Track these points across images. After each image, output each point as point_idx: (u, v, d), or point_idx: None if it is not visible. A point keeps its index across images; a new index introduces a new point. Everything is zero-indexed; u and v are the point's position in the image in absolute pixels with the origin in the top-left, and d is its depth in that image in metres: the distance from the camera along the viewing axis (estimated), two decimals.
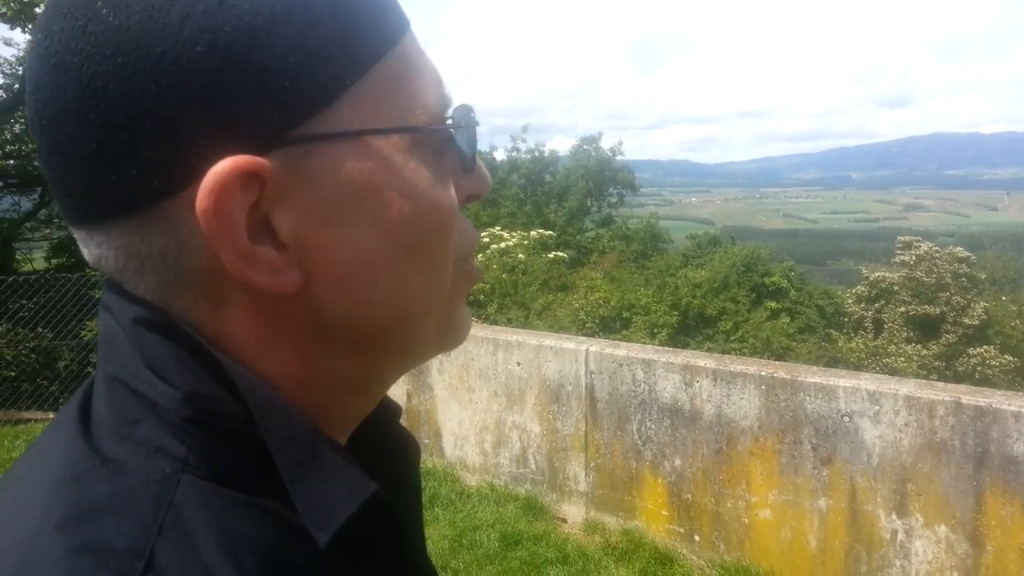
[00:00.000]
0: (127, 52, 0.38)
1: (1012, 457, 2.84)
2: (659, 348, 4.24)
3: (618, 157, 35.71)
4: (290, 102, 0.40)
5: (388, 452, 0.56)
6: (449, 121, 0.47)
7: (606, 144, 35.54)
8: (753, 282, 20.70)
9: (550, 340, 4.33)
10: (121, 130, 0.39)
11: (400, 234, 0.45)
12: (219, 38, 0.39)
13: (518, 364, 4.37)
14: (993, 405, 2.87)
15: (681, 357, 3.79)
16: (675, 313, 19.61)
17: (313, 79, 0.40)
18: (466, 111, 0.48)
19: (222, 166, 0.39)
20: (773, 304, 20.12)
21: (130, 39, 0.38)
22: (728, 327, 19.33)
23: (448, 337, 0.52)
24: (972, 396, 2.96)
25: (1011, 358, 18.75)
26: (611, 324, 19.69)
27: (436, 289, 0.49)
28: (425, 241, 0.46)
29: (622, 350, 4.03)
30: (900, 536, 3.15)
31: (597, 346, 4.12)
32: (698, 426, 3.68)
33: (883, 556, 3.19)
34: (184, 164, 0.39)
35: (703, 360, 3.70)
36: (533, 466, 4.39)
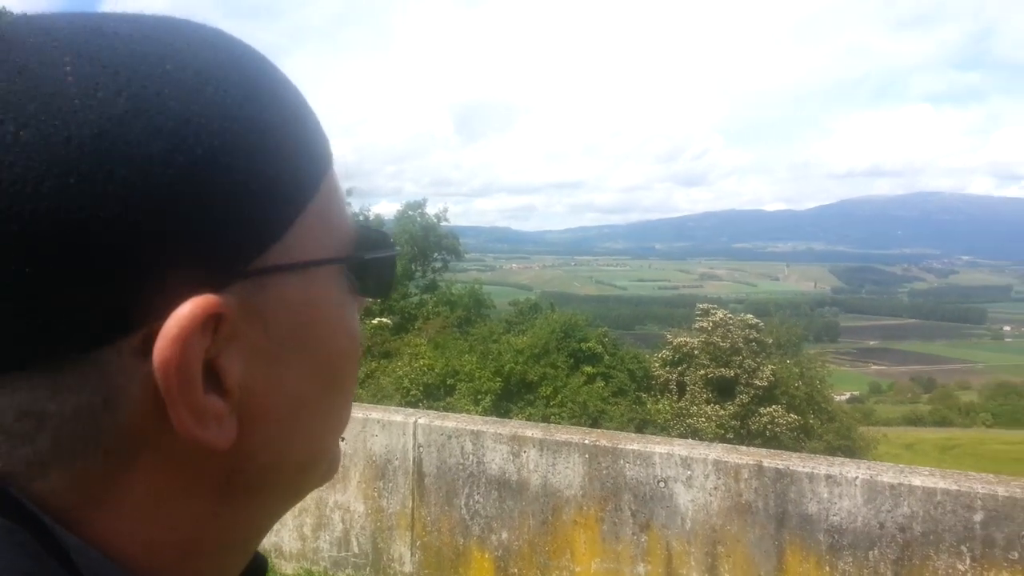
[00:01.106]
0: (74, 171, 0.33)
1: (807, 516, 3.10)
2: (487, 419, 4.26)
3: (443, 223, 36.23)
4: (251, 233, 0.38)
5: None
6: (376, 247, 0.46)
7: (431, 210, 35.96)
8: (571, 347, 21.51)
9: (376, 413, 4.22)
10: (53, 262, 0.33)
11: (330, 369, 0.43)
12: (192, 162, 0.35)
13: (342, 439, 4.20)
14: (790, 467, 3.14)
15: (509, 427, 3.83)
16: (498, 379, 19.89)
17: (273, 208, 0.39)
18: (386, 237, 0.47)
19: (189, 309, 0.35)
20: (589, 369, 20.98)
21: (80, 155, 0.33)
22: (548, 392, 19.86)
23: (332, 470, 0.48)
24: (772, 459, 3.22)
25: (795, 416, 20.72)
26: (435, 391, 19.60)
27: (344, 422, 0.46)
28: (346, 374, 0.45)
29: (451, 422, 4.00)
30: None
31: (426, 418, 4.06)
32: (525, 497, 3.71)
33: None
34: (135, 303, 0.34)
35: (530, 430, 3.76)
36: (356, 548, 4.19)
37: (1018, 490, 2.81)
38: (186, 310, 0.35)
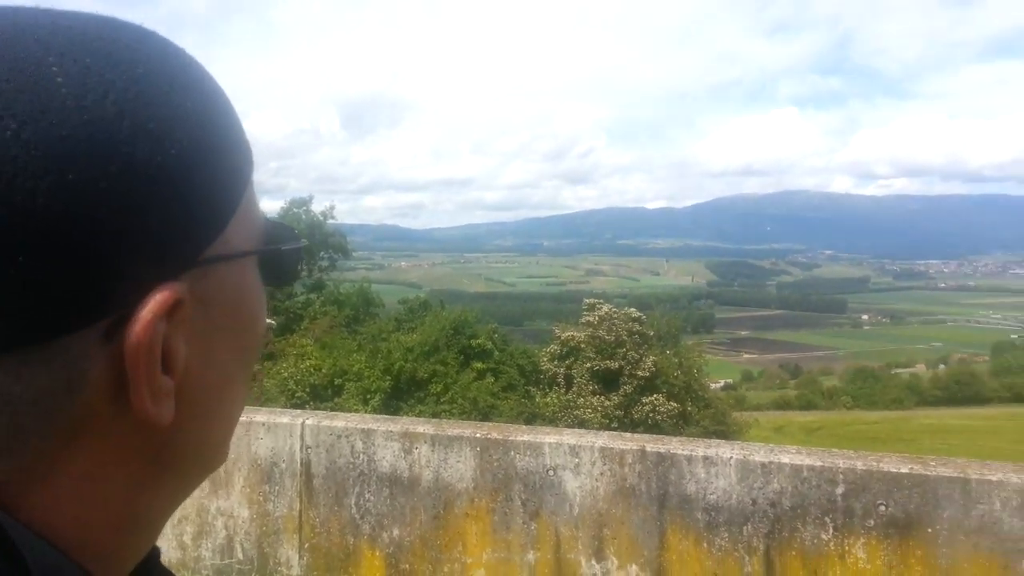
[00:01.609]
0: (72, 169, 0.36)
1: (687, 496, 3.25)
2: (378, 417, 4.21)
3: (329, 221, 35.41)
4: (205, 225, 0.41)
5: None
6: (287, 238, 0.50)
7: (317, 207, 35.05)
8: (461, 344, 21.55)
9: (261, 415, 4.09)
10: (41, 255, 0.35)
11: (250, 351, 0.47)
12: (167, 160, 0.39)
13: None
14: (671, 451, 3.28)
15: (400, 424, 3.80)
16: (388, 378, 19.67)
17: (222, 202, 0.43)
18: (292, 230, 0.51)
19: (162, 296, 0.38)
20: (479, 365, 21.09)
21: (76, 155, 0.36)
22: (439, 389, 19.82)
23: (227, 452, 0.51)
24: (654, 444, 3.35)
25: (675, 404, 21.59)
26: (322, 392, 19.16)
27: (245, 402, 0.50)
28: (257, 355, 0.49)
29: (340, 421, 3.93)
30: None
31: (313, 419, 3.97)
32: (417, 493, 3.69)
33: None
34: (106, 294, 0.37)
35: (422, 426, 3.75)
36: (240, 555, 4.05)
37: (874, 464, 3.04)
38: (158, 298, 0.38)
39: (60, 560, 0.38)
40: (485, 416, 18.11)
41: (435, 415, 17.01)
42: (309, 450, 3.90)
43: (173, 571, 0.54)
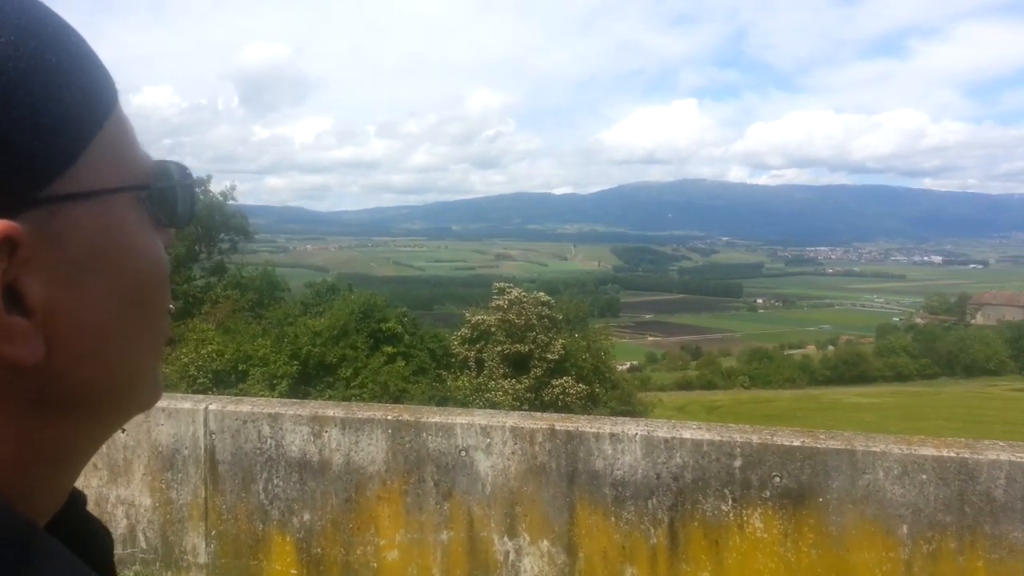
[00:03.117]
0: None
1: (595, 472, 3.33)
2: (286, 401, 4.12)
3: (230, 201, 34.08)
4: (39, 163, 0.41)
5: (80, 542, 0.48)
6: (171, 177, 0.50)
7: (216, 187, 33.62)
8: (371, 328, 21.26)
9: (161, 401, 3.92)
10: None
11: (135, 292, 0.46)
12: None
13: (123, 431, 3.87)
14: (579, 429, 3.35)
15: (309, 408, 3.73)
16: (295, 363, 19.23)
17: (58, 139, 0.42)
18: (182, 168, 0.51)
19: None
20: (390, 349, 20.87)
21: None
22: (348, 374, 19.52)
23: (155, 395, 0.51)
24: (564, 423, 3.42)
25: (584, 386, 22.02)
26: (226, 378, 18.54)
27: (159, 345, 0.50)
28: (153, 297, 0.48)
29: (246, 406, 3.82)
30: (511, 556, 3.46)
31: (217, 404, 3.85)
32: (327, 477, 3.64)
33: None
34: None
35: (331, 410, 3.69)
36: (143, 544, 3.90)
37: (769, 438, 3.20)
38: None
39: None
40: (396, 400, 17.98)
41: (345, 399, 16.76)
42: (213, 436, 3.78)
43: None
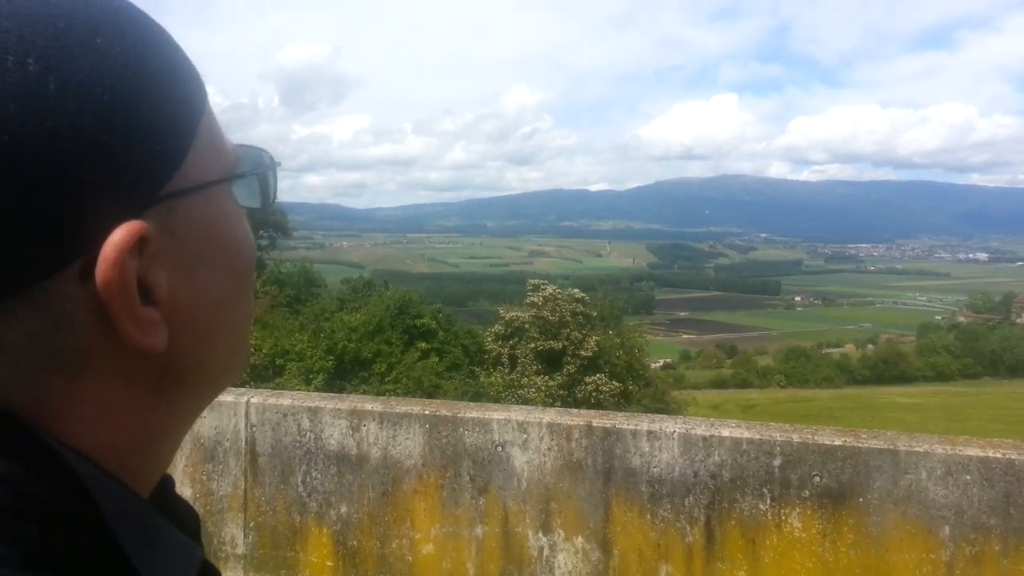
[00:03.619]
0: (6, 131, 0.38)
1: (631, 469, 3.32)
2: (325, 395, 4.18)
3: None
4: (159, 162, 0.43)
5: (175, 522, 0.52)
6: (258, 164, 0.53)
7: None
8: (406, 324, 21.42)
9: None
10: (9, 205, 0.38)
11: (237, 274, 0.50)
12: (101, 107, 0.40)
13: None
14: (616, 426, 3.35)
15: (348, 402, 3.78)
16: (331, 358, 19.45)
17: (173, 138, 0.44)
18: (265, 153, 0.55)
19: (121, 235, 0.40)
20: (424, 344, 21.01)
21: (8, 117, 0.38)
22: (383, 369, 19.69)
23: (246, 367, 0.56)
24: (600, 419, 3.42)
25: (617, 383, 21.92)
26: (263, 372, 18.84)
27: (251, 321, 0.54)
28: (249, 278, 0.52)
29: (286, 399, 3.89)
30: (546, 552, 3.47)
31: (259, 397, 3.92)
32: (365, 470, 3.69)
33: (531, 573, 3.48)
34: (73, 236, 0.40)
35: (370, 404, 3.74)
36: None
37: (809, 437, 3.16)
38: (117, 237, 0.40)
39: (96, 472, 0.42)
40: (429, 396, 18.10)
41: (380, 395, 16.91)
42: (254, 428, 3.85)
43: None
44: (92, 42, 0.41)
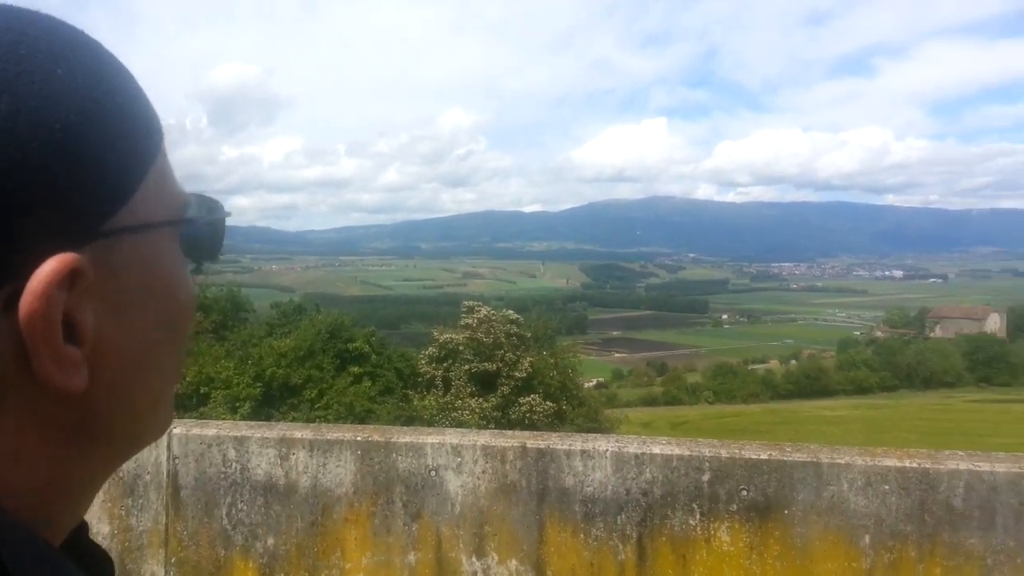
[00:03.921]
0: None
1: (565, 489, 3.34)
2: (252, 423, 4.06)
3: None
4: (105, 196, 0.42)
5: (87, 568, 0.49)
6: (207, 211, 0.51)
7: None
8: (337, 348, 21.06)
9: None
10: None
11: (169, 324, 0.48)
12: (52, 135, 0.40)
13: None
14: (550, 446, 3.36)
15: (276, 430, 3.68)
16: (259, 384, 18.96)
17: (122, 174, 0.44)
18: (215, 203, 0.52)
19: (52, 265, 0.39)
20: (356, 369, 20.69)
21: None
22: (313, 395, 19.29)
23: (167, 424, 0.53)
24: (534, 440, 3.42)
25: (551, 404, 22.01)
26: (186, 401, 18.21)
27: (180, 375, 0.52)
28: (184, 328, 0.50)
29: (211, 429, 3.76)
30: None
31: (182, 427, 3.78)
32: (293, 500, 3.59)
33: None
34: (2, 261, 0.38)
35: (300, 431, 3.65)
36: None
37: (737, 452, 3.24)
38: (49, 267, 0.39)
39: (2, 517, 0.40)
40: (362, 421, 17.82)
41: (310, 421, 16.56)
42: (176, 460, 3.71)
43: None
44: (52, 71, 0.41)
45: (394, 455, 3.49)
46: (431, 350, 23.73)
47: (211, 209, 0.51)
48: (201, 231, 0.50)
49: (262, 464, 3.62)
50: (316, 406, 19.05)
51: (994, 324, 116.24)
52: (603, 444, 3.36)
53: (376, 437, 3.54)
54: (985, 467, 2.97)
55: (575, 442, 3.40)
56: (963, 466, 2.95)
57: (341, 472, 3.54)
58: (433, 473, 3.46)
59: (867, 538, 3.02)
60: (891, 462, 3.04)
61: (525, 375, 22.56)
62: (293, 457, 3.59)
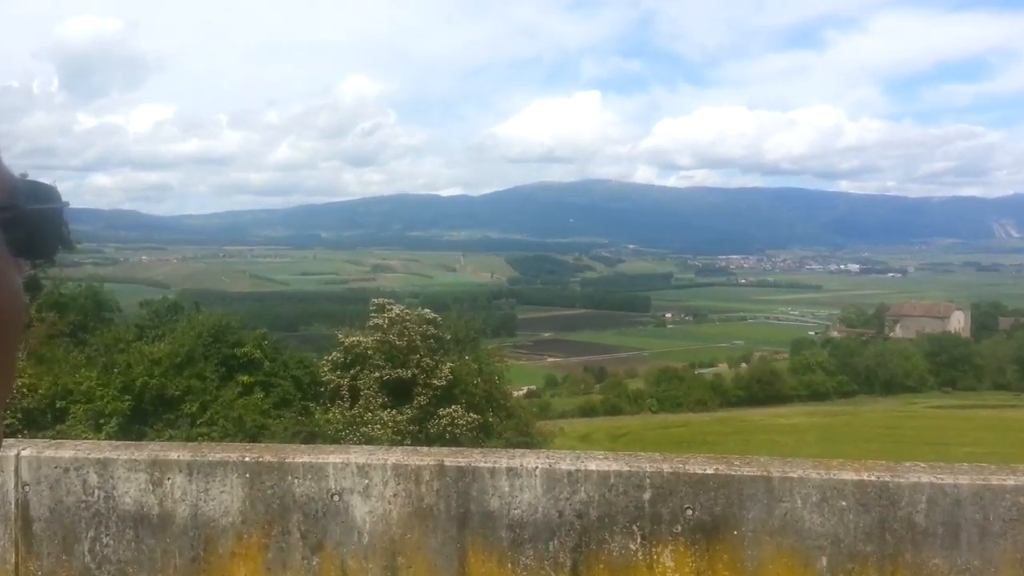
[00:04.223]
0: None
1: (489, 512, 3.35)
2: (119, 444, 3.93)
3: None
4: None
5: None
6: (38, 199, 0.47)
7: None
8: (223, 354, 20.52)
9: None
10: None
11: None
12: None
13: None
14: (472, 464, 3.36)
15: (147, 451, 3.57)
16: (127, 397, 18.32)
17: None
18: (49, 189, 0.48)
19: None
20: (246, 378, 20.21)
21: None
22: (194, 409, 18.77)
23: None
24: (454, 457, 3.42)
25: (475, 416, 22.04)
26: (40, 418, 17.48)
27: (7, 391, 0.51)
28: (6, 330, 0.47)
29: (68, 451, 3.62)
30: None
31: (32, 449, 3.62)
32: (170, 533, 3.49)
33: None
34: None
35: (175, 452, 3.55)
36: None
37: (681, 466, 3.31)
38: None
39: None
40: (253, 438, 17.44)
41: (191, 440, 16.12)
42: (27, 488, 3.55)
43: None
44: None
45: (290, 477, 3.44)
46: (335, 355, 23.40)
47: (40, 196, 0.47)
48: (29, 223, 0.46)
49: (131, 491, 3.51)
50: (198, 422, 18.54)
51: (957, 323, 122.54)
52: (532, 461, 3.38)
53: (268, 457, 3.47)
54: (948, 480, 3.12)
55: (500, 459, 3.42)
56: (925, 479, 3.10)
57: (227, 499, 3.45)
58: (336, 498, 3.42)
59: (824, 560, 3.14)
60: (848, 475, 3.17)
61: (445, 383, 22.51)
62: (168, 482, 3.49)
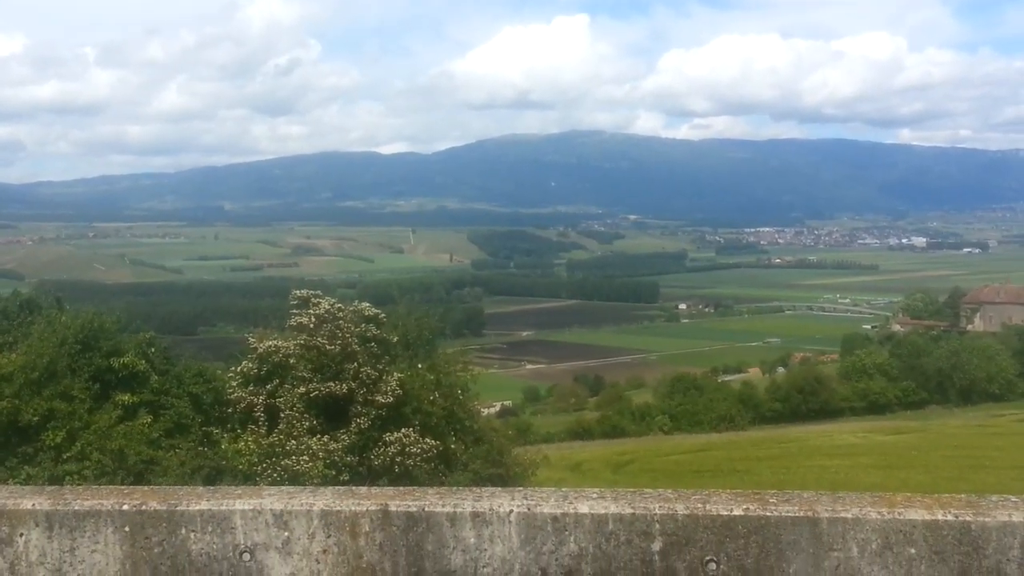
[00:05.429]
0: None
1: (450, 572, 3.32)
2: None
3: None
4: None
5: None
6: None
7: None
8: (96, 366, 20.37)
9: None
10: None
11: None
12: None
13: None
14: (426, 508, 3.33)
15: None
16: None
17: None
18: None
19: None
20: (127, 397, 20.09)
21: None
22: (59, 440, 18.64)
23: None
24: (401, 500, 3.39)
25: (432, 442, 22.01)
26: None
27: None
28: None
29: None
30: None
31: None
32: None
33: None
34: None
35: (30, 499, 3.49)
36: None
37: (700, 506, 3.30)
38: None
39: None
40: (139, 478, 17.33)
41: (56, 480, 15.96)
42: None
43: None
44: None
45: (184, 531, 3.39)
46: (246, 365, 23.28)
47: None
48: None
49: None
50: (65, 456, 18.42)
51: None
52: (506, 503, 3.36)
53: (154, 504, 3.43)
54: None
55: (464, 501, 3.39)
56: (1018, 517, 3.11)
57: (100, 560, 3.41)
58: (246, 556, 3.38)
59: None
60: (918, 514, 3.17)
61: (392, 400, 22.46)
62: (21, 540, 3.43)
